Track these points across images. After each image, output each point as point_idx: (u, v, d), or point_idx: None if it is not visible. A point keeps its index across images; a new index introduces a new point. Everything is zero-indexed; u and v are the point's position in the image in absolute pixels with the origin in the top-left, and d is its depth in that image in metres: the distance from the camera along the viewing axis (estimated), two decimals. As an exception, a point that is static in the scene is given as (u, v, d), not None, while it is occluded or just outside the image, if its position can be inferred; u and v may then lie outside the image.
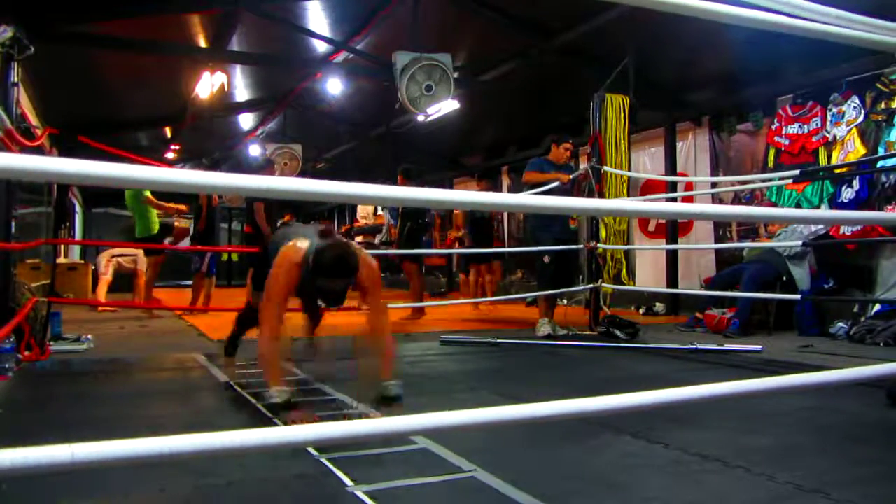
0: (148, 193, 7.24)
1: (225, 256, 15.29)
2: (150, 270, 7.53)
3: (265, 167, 7.37)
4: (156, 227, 7.51)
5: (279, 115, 11.10)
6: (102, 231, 16.02)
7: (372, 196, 1.13)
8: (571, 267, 5.96)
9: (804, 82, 6.28)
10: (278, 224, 7.63)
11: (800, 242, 5.56)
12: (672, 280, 7.59)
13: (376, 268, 2.64)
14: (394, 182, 7.33)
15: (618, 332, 5.19)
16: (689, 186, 7.46)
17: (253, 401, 2.91)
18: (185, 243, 8.78)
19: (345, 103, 10.10)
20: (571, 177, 5.68)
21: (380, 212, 9.07)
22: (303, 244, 2.52)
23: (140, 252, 8.61)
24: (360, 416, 2.64)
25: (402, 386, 2.46)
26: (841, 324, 5.38)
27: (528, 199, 1.91)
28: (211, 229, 7.89)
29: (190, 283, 8.03)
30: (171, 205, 7.71)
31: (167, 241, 8.26)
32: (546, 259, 5.54)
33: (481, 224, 8.39)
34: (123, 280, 8.86)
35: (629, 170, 6.69)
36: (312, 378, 3.41)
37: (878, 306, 5.30)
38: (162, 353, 4.51)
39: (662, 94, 7.56)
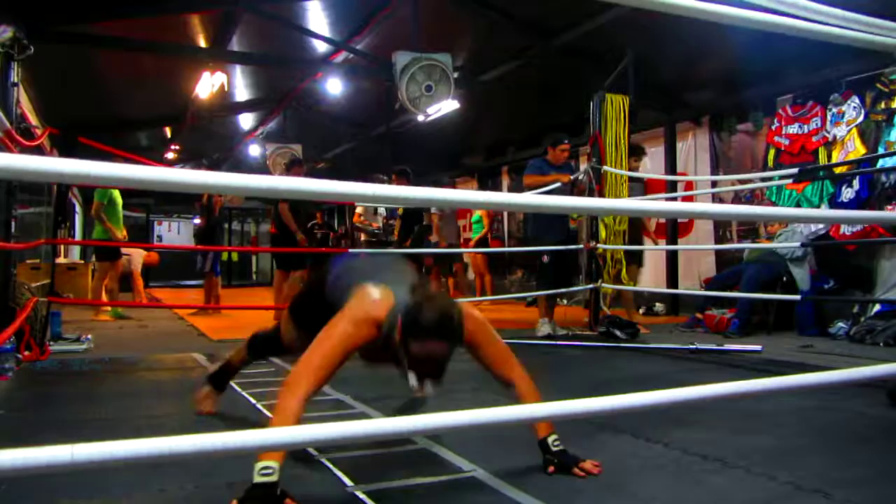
0: (104, 201, 6.86)
1: (225, 256, 15.33)
2: (99, 275, 7.15)
3: (293, 167, 7.21)
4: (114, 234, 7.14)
5: (279, 115, 11.10)
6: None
7: (372, 196, 1.13)
8: (570, 267, 5.96)
9: (804, 82, 6.28)
10: (315, 231, 7.48)
11: (800, 243, 5.56)
12: (672, 280, 7.59)
13: (480, 317, 2.08)
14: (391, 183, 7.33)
15: (618, 332, 5.19)
16: (689, 186, 7.46)
17: (253, 401, 2.91)
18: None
19: (345, 103, 10.11)
20: (572, 178, 5.69)
21: (381, 210, 9.04)
22: (386, 296, 1.92)
23: (134, 252, 8.63)
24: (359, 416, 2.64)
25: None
26: (841, 324, 5.37)
27: (528, 199, 1.91)
28: (212, 229, 7.90)
29: (190, 283, 8.01)
30: (111, 225, 7.34)
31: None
32: (545, 259, 5.55)
33: (410, 219, 7.46)
34: (121, 280, 8.87)
35: (629, 170, 6.68)
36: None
37: (878, 306, 5.29)
38: (162, 353, 4.51)
39: (662, 94, 7.56)
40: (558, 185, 5.55)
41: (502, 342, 2.09)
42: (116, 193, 7.01)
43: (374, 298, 1.91)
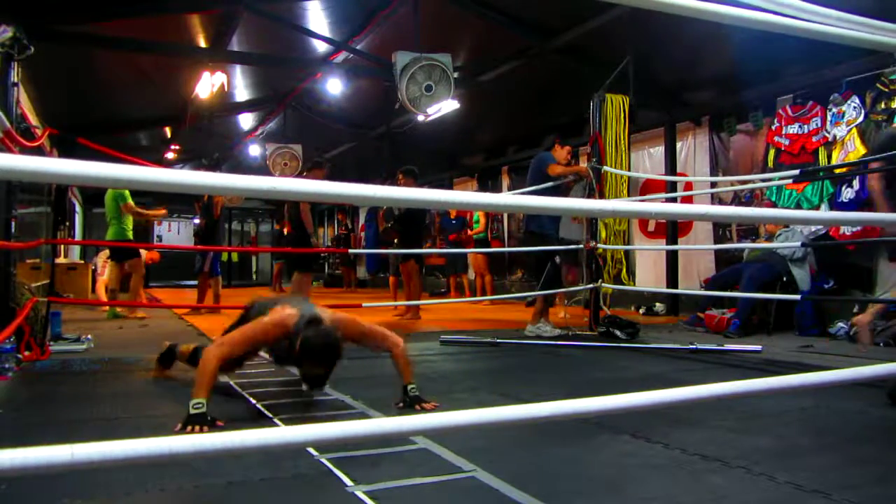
0: (130, 201, 7.02)
1: (225, 256, 15.35)
2: (134, 274, 7.23)
3: (314, 168, 7.23)
4: (130, 233, 7.26)
5: (279, 115, 11.10)
6: (102, 231, 16.03)
7: (372, 196, 1.13)
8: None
9: (804, 82, 6.28)
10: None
11: (800, 243, 5.56)
12: (672, 280, 7.59)
13: (359, 323, 2.83)
14: (393, 182, 7.33)
15: (618, 332, 5.19)
16: (688, 186, 7.46)
17: (253, 401, 2.91)
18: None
19: (345, 103, 10.11)
20: (588, 167, 5.78)
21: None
22: (293, 312, 2.65)
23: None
24: (359, 415, 2.65)
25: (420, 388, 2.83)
26: (841, 324, 5.38)
27: (527, 199, 1.90)
28: (213, 229, 7.90)
29: (190, 283, 8.02)
30: (152, 211, 7.54)
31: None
32: (558, 259, 5.56)
33: (412, 219, 7.33)
34: (120, 280, 8.91)
35: (629, 170, 6.69)
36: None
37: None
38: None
39: (662, 94, 7.57)
40: (570, 179, 5.63)
41: (375, 329, 2.89)
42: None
43: (286, 312, 2.66)
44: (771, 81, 6.57)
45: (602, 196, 5.84)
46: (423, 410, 2.68)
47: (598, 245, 5.77)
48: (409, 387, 2.79)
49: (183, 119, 10.49)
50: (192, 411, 2.38)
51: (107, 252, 8.98)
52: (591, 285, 5.74)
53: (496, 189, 11.22)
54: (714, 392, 1.34)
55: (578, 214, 5.75)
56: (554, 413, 1.19)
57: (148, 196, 13.83)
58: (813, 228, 5.82)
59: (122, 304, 7.30)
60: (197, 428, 2.33)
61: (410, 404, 2.74)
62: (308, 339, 2.50)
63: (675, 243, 7.67)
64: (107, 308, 7.21)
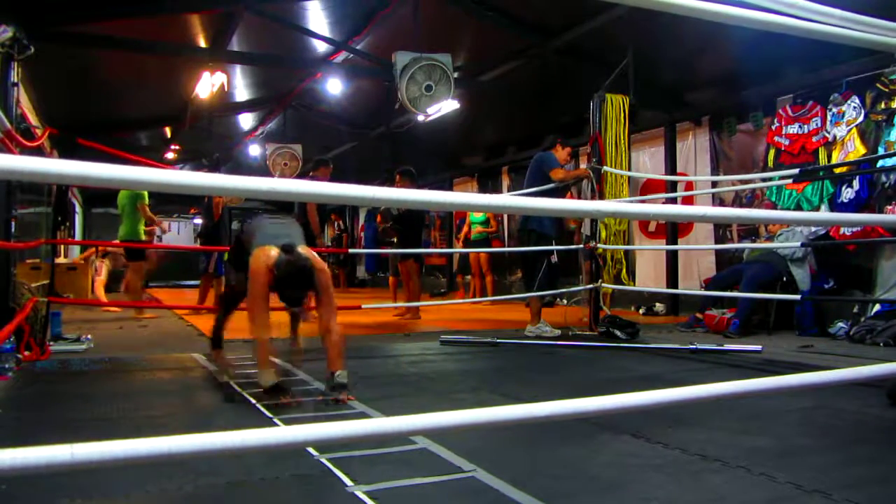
0: (147, 202, 7.18)
1: (227, 256, 15.32)
2: (134, 275, 7.33)
3: (319, 167, 7.21)
4: (142, 233, 7.42)
5: (279, 115, 11.10)
6: (102, 231, 16.03)
7: (371, 197, 1.13)
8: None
9: (804, 82, 6.29)
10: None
11: (800, 243, 5.56)
12: (672, 280, 7.59)
13: (327, 269, 3.09)
14: (391, 183, 7.34)
15: (618, 332, 5.19)
16: (689, 186, 7.46)
17: (253, 401, 2.91)
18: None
19: (345, 103, 10.11)
20: (588, 167, 5.81)
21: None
22: (274, 252, 2.94)
23: (119, 251, 8.71)
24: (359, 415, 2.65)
25: (349, 376, 2.93)
26: (841, 324, 5.38)
27: (527, 199, 1.91)
28: (217, 229, 7.89)
29: (190, 283, 8.01)
30: (158, 220, 7.61)
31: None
32: (554, 259, 5.55)
33: (411, 219, 7.20)
34: (120, 280, 8.95)
35: (629, 170, 6.69)
36: (312, 378, 3.41)
37: (878, 306, 5.30)
38: (162, 353, 4.51)
39: (662, 94, 7.57)
40: (571, 182, 5.65)
41: (335, 299, 3.04)
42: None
43: (268, 255, 2.93)
44: (771, 81, 6.57)
45: (602, 196, 5.83)
46: (339, 402, 2.81)
47: (598, 245, 5.76)
48: (338, 374, 2.88)
49: (183, 119, 10.49)
50: (264, 384, 2.83)
51: (102, 251, 9.01)
52: (591, 285, 5.73)
53: (496, 189, 11.22)
54: (714, 392, 1.34)
55: (578, 216, 5.77)
56: (554, 413, 1.19)
57: (150, 197, 13.83)
58: (813, 228, 5.82)
59: (120, 304, 7.30)
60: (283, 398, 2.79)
61: (332, 390, 2.88)
62: (283, 267, 2.85)
63: (676, 243, 7.67)
64: (112, 309, 7.24)
